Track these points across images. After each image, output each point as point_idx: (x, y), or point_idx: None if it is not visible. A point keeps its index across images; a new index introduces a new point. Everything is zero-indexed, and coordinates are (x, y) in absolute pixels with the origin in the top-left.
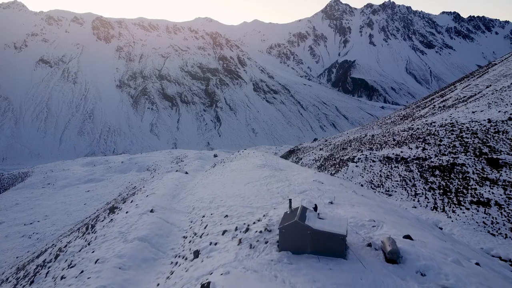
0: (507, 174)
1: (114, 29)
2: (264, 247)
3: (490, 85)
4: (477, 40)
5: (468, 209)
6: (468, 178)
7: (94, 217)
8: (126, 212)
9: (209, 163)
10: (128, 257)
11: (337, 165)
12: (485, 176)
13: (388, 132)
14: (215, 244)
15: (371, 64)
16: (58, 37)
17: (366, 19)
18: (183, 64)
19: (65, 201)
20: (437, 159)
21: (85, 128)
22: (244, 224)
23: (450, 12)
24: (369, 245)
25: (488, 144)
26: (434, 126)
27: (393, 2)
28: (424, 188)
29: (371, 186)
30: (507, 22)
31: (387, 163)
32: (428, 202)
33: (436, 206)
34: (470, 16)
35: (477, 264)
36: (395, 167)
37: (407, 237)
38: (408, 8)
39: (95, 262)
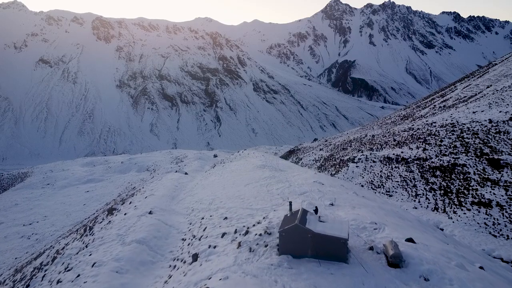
0: (508, 175)
1: (114, 29)
2: (264, 251)
3: (491, 85)
4: (477, 40)
5: (469, 210)
6: (469, 178)
7: (92, 218)
8: (125, 214)
9: (209, 164)
10: (125, 261)
11: (337, 166)
12: (486, 176)
13: (388, 132)
14: (214, 247)
15: (371, 64)
16: (58, 37)
17: (366, 19)
18: (183, 64)
19: (65, 202)
20: (438, 160)
21: (85, 128)
22: (244, 226)
23: (450, 12)
24: (371, 248)
25: (489, 145)
26: (435, 126)
27: (393, 2)
28: (424, 188)
29: (371, 187)
30: (507, 22)
31: (387, 164)
32: (429, 203)
33: (437, 207)
34: (470, 16)
35: (481, 268)
36: (395, 167)
37: (410, 240)
38: (408, 8)
39: (92, 266)
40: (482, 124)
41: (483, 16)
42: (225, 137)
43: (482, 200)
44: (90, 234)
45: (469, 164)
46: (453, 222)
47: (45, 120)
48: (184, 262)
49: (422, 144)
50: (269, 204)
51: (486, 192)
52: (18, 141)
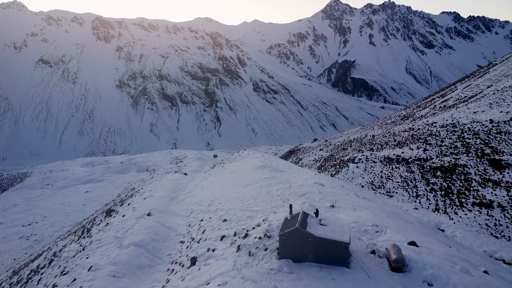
0: (510, 176)
1: (114, 29)
2: (263, 255)
3: (491, 85)
4: (477, 40)
5: (470, 210)
6: (470, 179)
7: (91, 219)
8: (123, 216)
9: (209, 164)
10: (122, 264)
11: (337, 166)
12: (487, 177)
13: (388, 132)
14: (213, 250)
15: (371, 64)
16: (58, 37)
17: (366, 19)
18: (183, 64)
19: (64, 202)
20: (439, 160)
21: (85, 128)
22: (243, 229)
23: (450, 12)
24: (373, 252)
25: (490, 145)
26: (435, 126)
27: (393, 2)
28: (425, 189)
29: (372, 187)
30: (507, 22)
31: (388, 164)
32: (429, 204)
33: (437, 207)
34: (470, 16)
35: (485, 272)
36: (396, 168)
37: (412, 243)
38: (408, 8)
39: (89, 270)
40: (483, 125)
41: (483, 16)
42: (225, 137)
43: (483, 201)
44: (87, 236)
45: (470, 165)
46: (454, 223)
47: (45, 120)
48: (183, 265)
49: (423, 145)
50: (269, 206)
51: (488, 193)
52: (18, 141)
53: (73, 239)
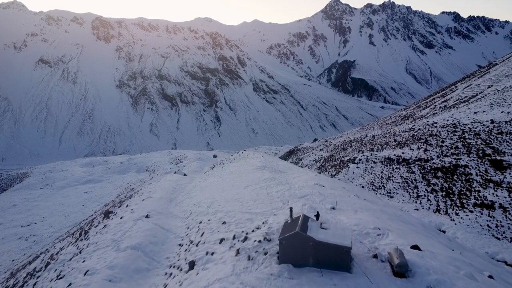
0: (511, 176)
1: (114, 29)
2: (263, 259)
3: (492, 85)
4: (477, 40)
5: (471, 211)
6: (471, 180)
7: (89, 221)
8: (121, 218)
9: (209, 164)
10: (119, 268)
11: (337, 166)
12: (488, 178)
13: (389, 132)
14: (212, 254)
15: (371, 64)
16: (58, 37)
17: (366, 19)
18: (183, 64)
19: (63, 203)
20: (439, 161)
21: (84, 128)
22: (243, 232)
23: (450, 12)
24: (375, 256)
25: (491, 145)
26: (436, 126)
27: (393, 2)
28: (426, 190)
29: (372, 188)
30: (507, 22)
31: (388, 164)
32: (430, 205)
33: (438, 208)
34: (470, 16)
35: (490, 277)
36: (396, 168)
37: (415, 247)
38: (408, 8)
39: (85, 274)
40: (484, 125)
41: (483, 16)
42: (225, 137)
43: (484, 201)
44: (85, 239)
45: (471, 165)
46: (455, 224)
47: (45, 120)
48: (181, 269)
49: (423, 145)
50: (269, 208)
51: (489, 194)
52: (17, 141)
53: (71, 241)
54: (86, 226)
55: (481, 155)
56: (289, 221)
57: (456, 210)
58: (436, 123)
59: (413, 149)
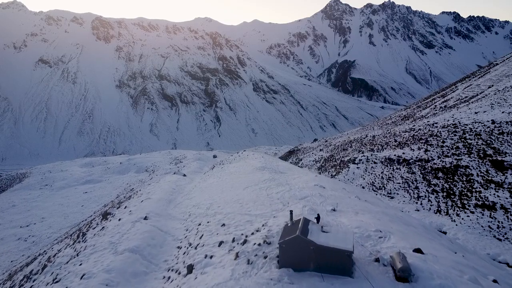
0: None
1: (114, 29)
2: (263, 263)
3: (492, 85)
4: (477, 40)
5: (472, 212)
6: (472, 180)
7: (87, 222)
8: (119, 220)
9: (208, 164)
10: (116, 272)
11: (337, 167)
12: (490, 178)
13: (389, 132)
14: (211, 257)
15: (371, 64)
16: (58, 37)
17: (366, 19)
18: (182, 64)
19: (63, 203)
20: (440, 161)
21: (84, 128)
22: (242, 234)
23: (450, 12)
24: (377, 260)
25: (492, 146)
26: (436, 127)
27: (393, 2)
28: (427, 190)
29: (372, 188)
30: (507, 22)
31: (388, 165)
32: (431, 205)
33: (439, 209)
34: (470, 16)
35: (494, 281)
36: (397, 168)
37: (418, 250)
38: (408, 8)
39: (81, 278)
40: (484, 125)
41: (483, 16)
42: (225, 137)
43: (486, 202)
44: (82, 241)
45: (472, 166)
46: (456, 225)
47: (45, 120)
48: (179, 273)
49: (424, 145)
50: (269, 210)
51: (490, 195)
52: (17, 141)
53: (68, 243)
54: (84, 228)
55: (482, 155)
56: (289, 224)
57: (457, 211)
58: (436, 123)
59: (413, 150)
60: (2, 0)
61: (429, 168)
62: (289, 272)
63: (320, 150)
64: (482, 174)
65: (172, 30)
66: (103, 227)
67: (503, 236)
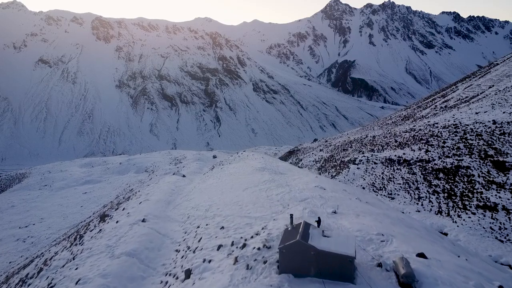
0: None
1: (114, 29)
2: (262, 268)
3: (493, 85)
4: (477, 40)
5: (474, 213)
6: (473, 181)
7: (86, 224)
8: (117, 222)
9: (208, 165)
10: (113, 276)
11: (337, 167)
12: (491, 179)
13: (389, 133)
14: (209, 261)
15: (371, 64)
16: (58, 37)
17: (366, 19)
18: (182, 64)
19: (62, 204)
20: (441, 162)
21: (84, 129)
22: (241, 238)
23: (450, 12)
24: (379, 265)
25: (493, 146)
26: (437, 127)
27: (393, 2)
28: (427, 191)
29: (373, 189)
30: (507, 22)
31: (389, 165)
32: (432, 206)
33: (440, 210)
34: (470, 16)
35: (500, 287)
36: (397, 169)
37: (421, 255)
38: (408, 8)
39: (76, 283)
40: (485, 125)
41: (483, 16)
42: (225, 137)
43: (487, 203)
44: (79, 244)
45: (473, 166)
46: (457, 226)
47: (45, 120)
48: (177, 278)
49: (425, 146)
50: (269, 212)
51: (492, 196)
52: (17, 141)
53: (65, 246)
54: (82, 230)
55: (483, 156)
56: (289, 228)
57: (458, 212)
58: (437, 123)
59: (414, 150)
60: (2, 0)
61: (430, 169)
62: (289, 278)
63: (320, 150)
64: (483, 175)
65: (172, 30)
66: (100, 230)
67: (505, 238)
